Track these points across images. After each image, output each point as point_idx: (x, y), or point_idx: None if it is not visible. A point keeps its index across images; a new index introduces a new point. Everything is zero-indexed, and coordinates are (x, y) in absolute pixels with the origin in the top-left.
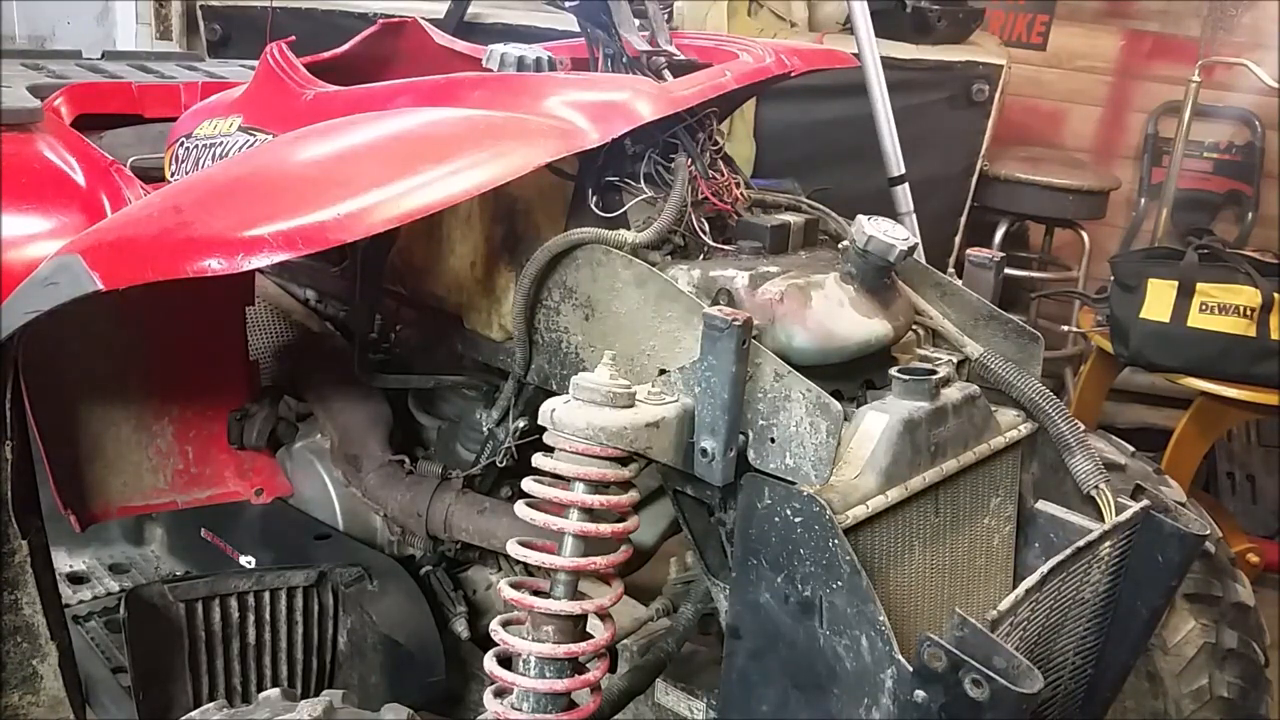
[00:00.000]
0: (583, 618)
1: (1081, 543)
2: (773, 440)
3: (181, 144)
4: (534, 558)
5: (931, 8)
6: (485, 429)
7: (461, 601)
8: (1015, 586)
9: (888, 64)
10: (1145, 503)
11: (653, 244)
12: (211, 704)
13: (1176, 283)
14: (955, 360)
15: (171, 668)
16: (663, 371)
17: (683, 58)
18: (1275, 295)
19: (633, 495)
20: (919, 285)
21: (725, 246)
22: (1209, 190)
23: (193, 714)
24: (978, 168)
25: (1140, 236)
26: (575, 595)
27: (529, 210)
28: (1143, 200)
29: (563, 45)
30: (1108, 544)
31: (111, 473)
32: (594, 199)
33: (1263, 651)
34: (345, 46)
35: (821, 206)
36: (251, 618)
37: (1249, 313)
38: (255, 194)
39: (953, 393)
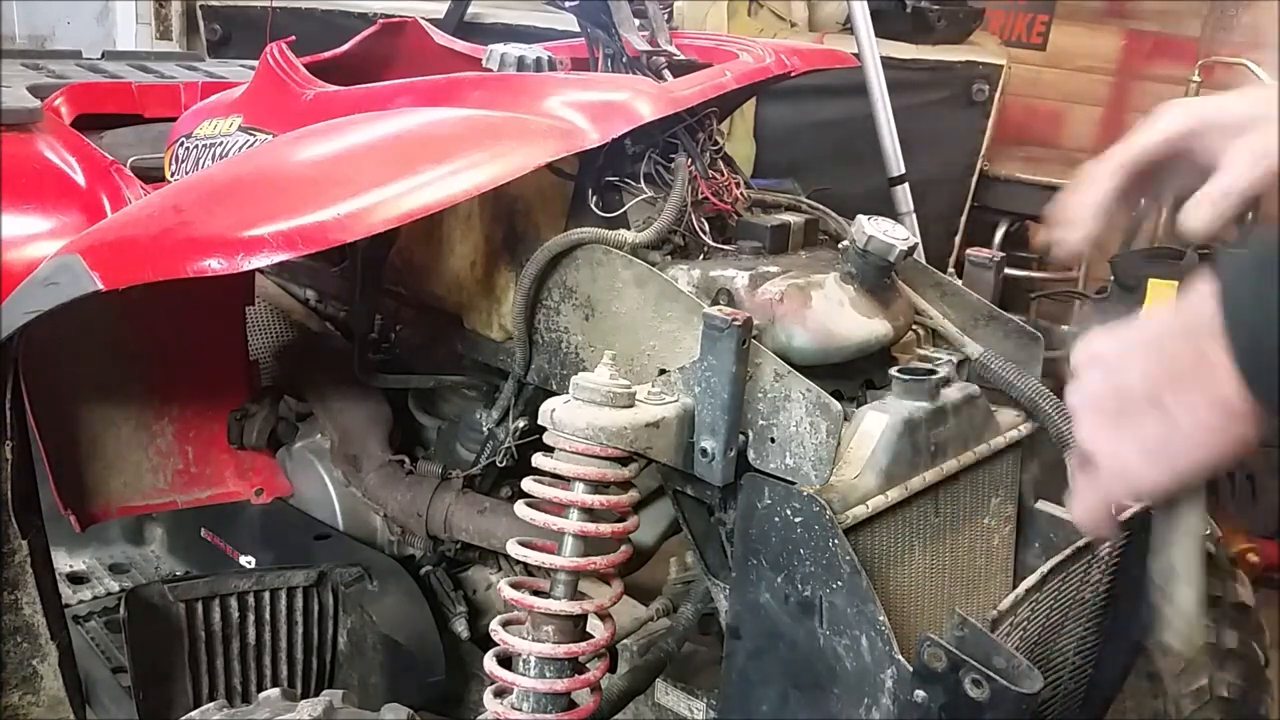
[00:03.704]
0: (583, 618)
1: (1081, 543)
2: (773, 440)
3: (181, 144)
4: (534, 558)
5: (931, 8)
6: (485, 429)
7: (461, 601)
8: (1015, 586)
9: (888, 64)
10: (1145, 502)
11: (653, 244)
12: (211, 704)
13: (1176, 283)
14: (955, 360)
15: (171, 668)
16: (663, 371)
17: (683, 58)
18: None
19: (633, 495)
20: (919, 285)
21: (725, 246)
22: None
23: (193, 714)
24: (978, 168)
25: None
26: (575, 595)
27: (529, 210)
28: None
29: (563, 45)
30: (1108, 544)
31: (111, 473)
32: (594, 199)
33: (1263, 651)
34: (345, 46)
35: (821, 206)
36: (251, 618)
37: None
38: (255, 194)
39: (953, 393)
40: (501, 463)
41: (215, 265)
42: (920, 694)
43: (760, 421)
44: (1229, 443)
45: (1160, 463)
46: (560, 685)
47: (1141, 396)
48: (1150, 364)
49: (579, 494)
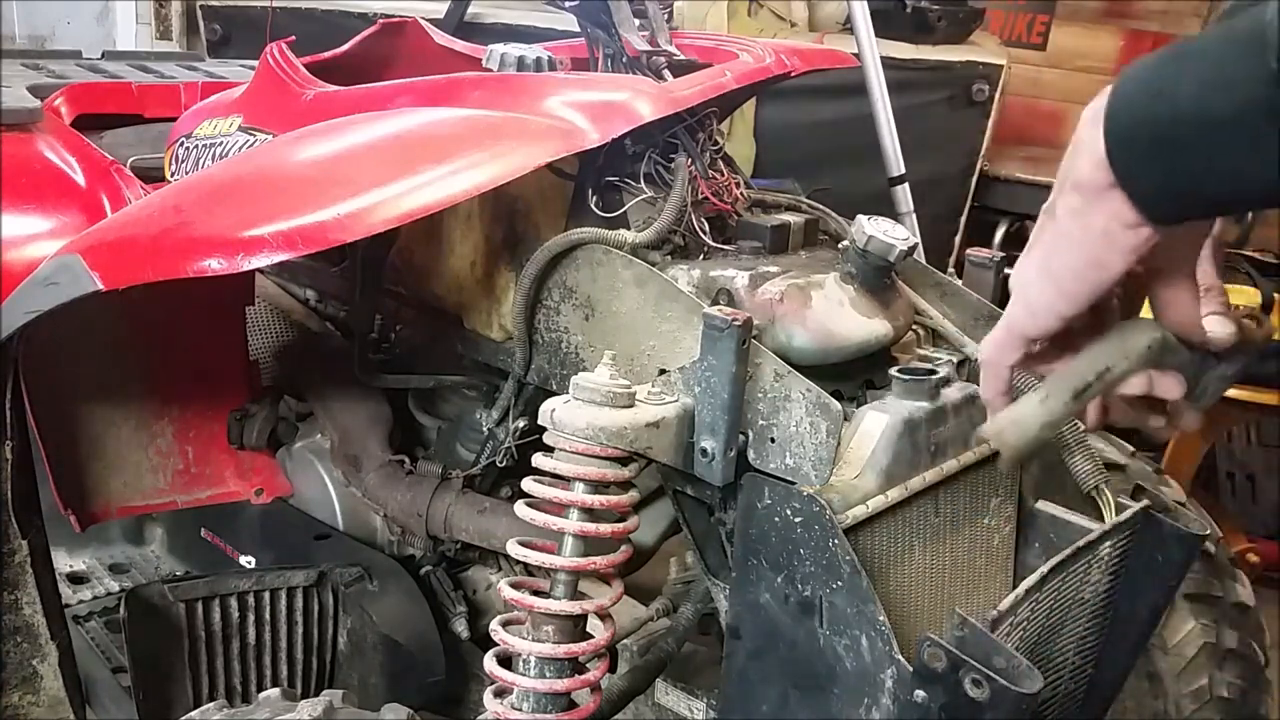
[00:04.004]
0: (583, 618)
1: (1081, 543)
2: (773, 440)
3: (181, 144)
4: (534, 558)
5: (931, 8)
6: (485, 429)
7: (461, 601)
8: (1015, 586)
9: (888, 64)
10: (1145, 503)
11: (653, 244)
12: (211, 704)
13: None
14: (955, 360)
15: (171, 668)
16: (663, 371)
17: (683, 58)
18: (1275, 295)
19: (633, 495)
20: (919, 285)
21: (725, 246)
22: None
23: (193, 714)
24: (978, 168)
25: None
26: (575, 595)
27: (529, 210)
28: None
29: (563, 45)
30: (1108, 544)
31: (111, 473)
32: (594, 199)
33: (1263, 651)
34: (345, 46)
35: (821, 206)
36: (251, 618)
37: None
38: (255, 194)
39: (953, 393)
40: (501, 463)
41: (215, 265)
42: (920, 694)
43: (760, 421)
44: (1106, 248)
45: (1049, 279)
46: (560, 685)
47: (1047, 214)
48: (1056, 184)
49: (579, 494)
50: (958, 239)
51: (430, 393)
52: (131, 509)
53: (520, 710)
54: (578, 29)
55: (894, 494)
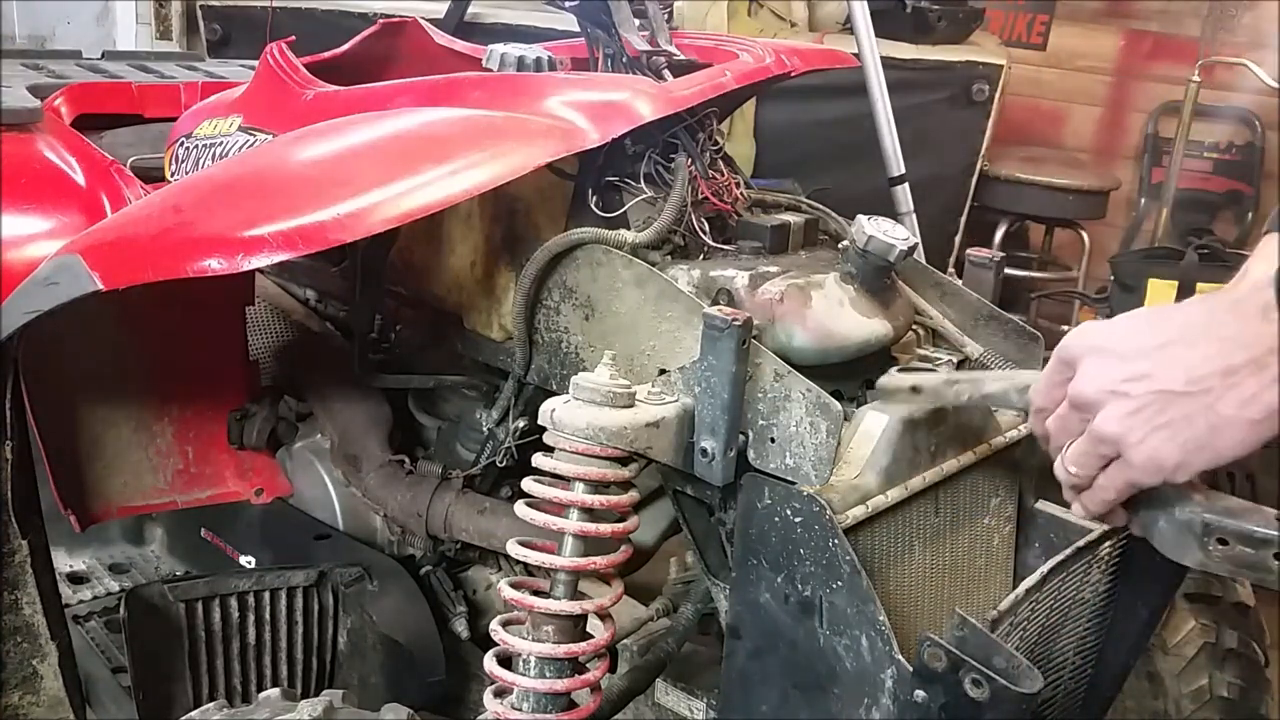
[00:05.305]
0: (583, 618)
1: (1081, 543)
2: (773, 440)
3: (181, 144)
4: (534, 558)
5: (931, 8)
6: (485, 429)
7: (461, 601)
8: (1015, 586)
9: (888, 64)
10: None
11: (653, 244)
12: (211, 704)
13: (1177, 283)
14: (955, 360)
15: (171, 668)
16: (663, 371)
17: (683, 58)
18: None
19: (633, 495)
20: (919, 285)
21: (725, 246)
22: (1209, 190)
23: (193, 714)
24: (978, 168)
25: (1140, 236)
26: (575, 595)
27: (529, 210)
28: (1143, 200)
29: (563, 45)
30: (1108, 544)
31: (111, 473)
32: (594, 199)
33: (1263, 651)
34: (345, 46)
35: (821, 206)
36: (251, 618)
37: None
38: (255, 194)
39: None
40: (501, 463)
41: (215, 265)
42: (920, 694)
43: (760, 421)
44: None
45: (1204, 452)
46: (560, 685)
47: (1185, 388)
48: (1196, 355)
49: (579, 494)
50: (958, 239)
51: (430, 393)
52: (131, 509)
53: (520, 710)
54: (578, 29)
55: (894, 494)
